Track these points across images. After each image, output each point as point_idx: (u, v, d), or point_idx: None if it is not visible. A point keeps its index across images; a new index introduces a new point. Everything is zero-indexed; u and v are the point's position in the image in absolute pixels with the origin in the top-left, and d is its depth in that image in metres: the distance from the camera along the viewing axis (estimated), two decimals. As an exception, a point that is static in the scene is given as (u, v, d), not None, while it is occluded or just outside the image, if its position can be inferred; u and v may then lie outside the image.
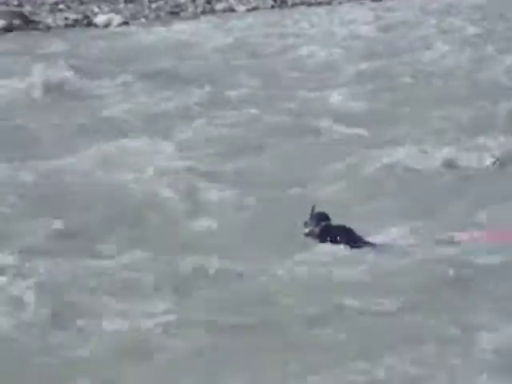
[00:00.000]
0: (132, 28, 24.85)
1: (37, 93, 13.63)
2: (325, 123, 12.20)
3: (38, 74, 15.47)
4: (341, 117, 12.60)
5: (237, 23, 23.86)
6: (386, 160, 10.06)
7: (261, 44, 20.67)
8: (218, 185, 9.10)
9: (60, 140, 10.78)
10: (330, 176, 9.70)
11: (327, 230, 7.77)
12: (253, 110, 13.14)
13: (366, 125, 12.15)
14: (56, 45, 22.72)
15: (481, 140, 10.89)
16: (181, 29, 23.73)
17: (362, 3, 28.65)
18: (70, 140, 10.47)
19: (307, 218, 7.84)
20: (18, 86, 14.47)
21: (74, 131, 11.47)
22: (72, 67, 16.94)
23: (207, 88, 15.11)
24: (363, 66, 17.18)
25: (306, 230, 7.85)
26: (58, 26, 25.77)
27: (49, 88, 14.20)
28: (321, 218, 7.86)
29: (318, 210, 7.92)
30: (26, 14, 25.60)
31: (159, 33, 23.60)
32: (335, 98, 14.07)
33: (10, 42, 23.76)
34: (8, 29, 25.51)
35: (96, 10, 26.00)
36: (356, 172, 9.86)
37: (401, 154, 10.20)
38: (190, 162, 9.82)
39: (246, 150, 10.79)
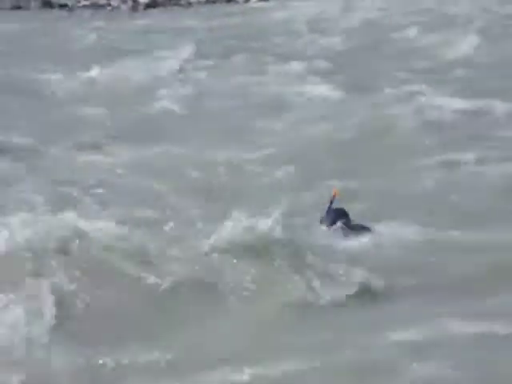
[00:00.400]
0: (270, 3, 24.84)
1: (133, 79, 13.75)
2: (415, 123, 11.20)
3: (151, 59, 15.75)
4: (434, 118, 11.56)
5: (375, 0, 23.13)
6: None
7: (391, 24, 19.82)
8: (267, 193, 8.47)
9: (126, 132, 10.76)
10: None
11: (344, 229, 6.89)
12: (348, 101, 12.54)
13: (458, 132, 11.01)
14: (193, 21, 22.97)
15: None
16: (318, 4, 23.34)
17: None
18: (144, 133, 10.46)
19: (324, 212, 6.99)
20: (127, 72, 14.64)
21: (149, 122, 11.42)
22: (194, 49, 17.03)
23: (306, 67, 14.79)
24: (495, 58, 15.71)
25: (322, 229, 6.94)
26: (199, 2, 26.01)
27: (155, 75, 14.39)
28: (338, 214, 6.97)
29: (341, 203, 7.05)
30: (169, -11, 25.90)
31: (295, 8, 23.50)
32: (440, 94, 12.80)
33: (151, 18, 24.21)
34: (151, 5, 26.05)
35: (237, -15, 25.92)
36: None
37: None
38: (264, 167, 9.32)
39: (326, 153, 10.00)
